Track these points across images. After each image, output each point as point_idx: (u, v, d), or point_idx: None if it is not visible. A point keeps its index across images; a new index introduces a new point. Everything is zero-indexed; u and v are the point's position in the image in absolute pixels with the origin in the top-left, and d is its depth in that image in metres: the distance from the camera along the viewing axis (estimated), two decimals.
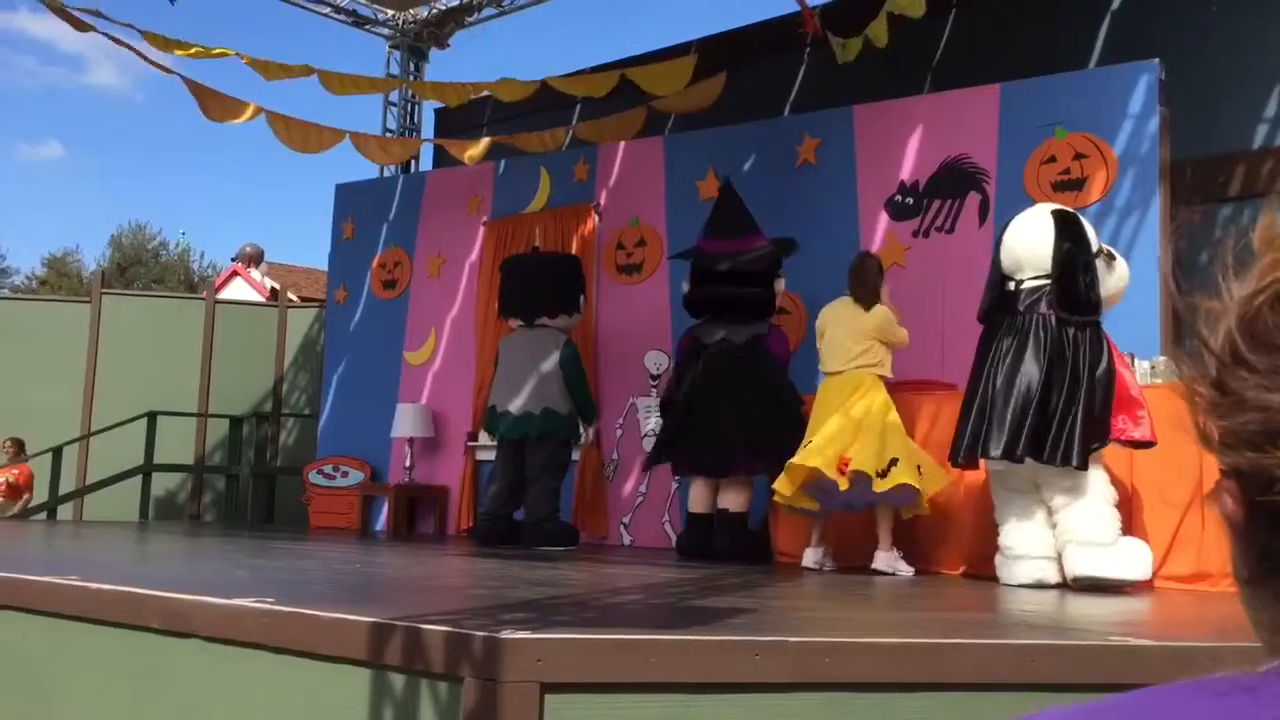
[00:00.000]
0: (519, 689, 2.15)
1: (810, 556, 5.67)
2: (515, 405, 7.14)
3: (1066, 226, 5.03)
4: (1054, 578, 4.88)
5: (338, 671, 2.43)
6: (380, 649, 2.36)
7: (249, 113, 8.48)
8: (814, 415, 5.69)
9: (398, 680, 2.34)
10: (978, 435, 4.89)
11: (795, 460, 5.47)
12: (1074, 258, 4.95)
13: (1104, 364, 4.79)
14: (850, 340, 5.67)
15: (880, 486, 5.29)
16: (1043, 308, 4.93)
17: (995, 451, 4.79)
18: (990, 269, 5.24)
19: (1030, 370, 4.81)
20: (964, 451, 4.98)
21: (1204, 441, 0.67)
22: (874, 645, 2.42)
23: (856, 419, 5.47)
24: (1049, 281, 4.96)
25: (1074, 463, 4.68)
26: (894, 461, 5.32)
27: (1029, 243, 5.05)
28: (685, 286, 6.74)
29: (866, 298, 5.74)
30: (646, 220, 8.21)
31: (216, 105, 8.42)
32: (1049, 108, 6.66)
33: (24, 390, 10.94)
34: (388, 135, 11.71)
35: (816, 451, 5.43)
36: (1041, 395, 4.74)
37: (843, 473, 5.33)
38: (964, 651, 2.46)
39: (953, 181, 6.98)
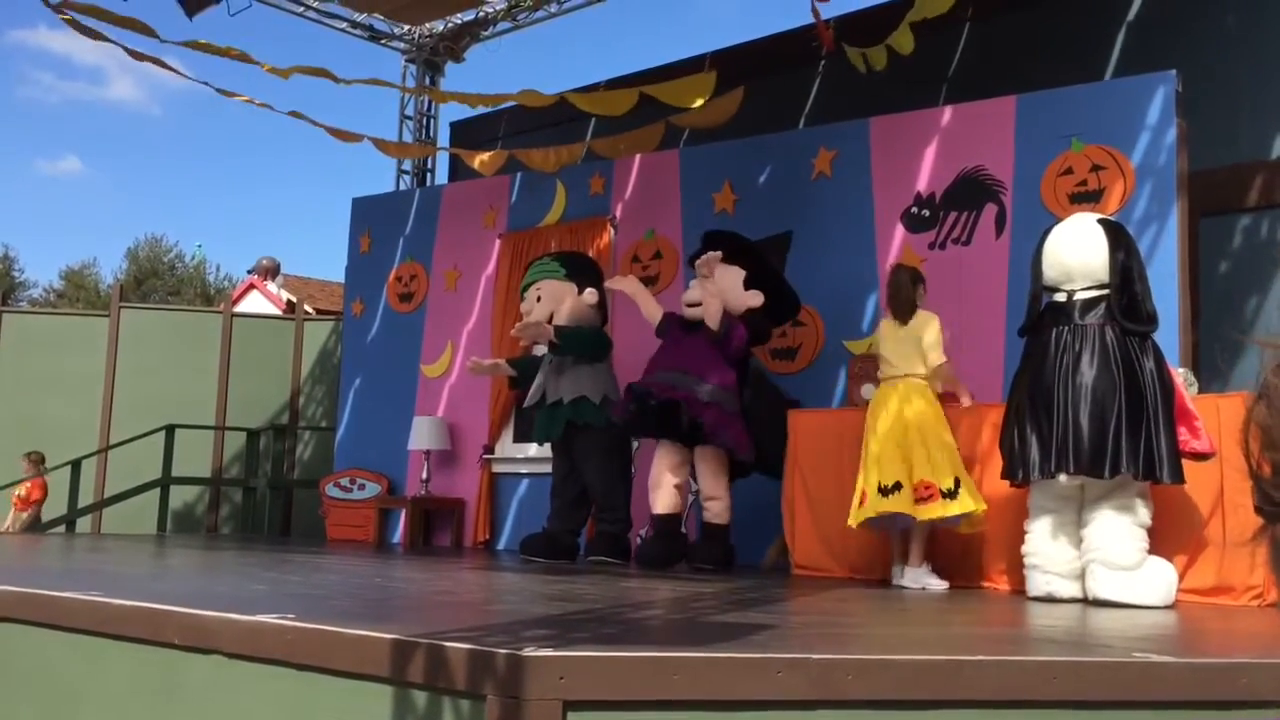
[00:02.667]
0: (542, 707, 2.15)
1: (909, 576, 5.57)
2: None
3: (1119, 237, 4.94)
4: (1067, 592, 4.83)
5: (360, 689, 2.43)
6: (402, 666, 2.36)
7: (246, 97, 8.57)
8: (866, 425, 5.62)
9: (420, 698, 2.34)
10: (1050, 450, 4.72)
11: (859, 508, 5.47)
12: (1131, 269, 4.86)
13: (1166, 376, 4.73)
14: (897, 349, 5.61)
15: (940, 511, 5.28)
16: (1101, 319, 4.80)
17: (1076, 468, 4.64)
18: (1031, 281, 5.08)
19: (1104, 383, 4.67)
20: (1038, 467, 4.77)
21: (1272, 488, 0.64)
22: (896, 662, 2.41)
23: (904, 436, 5.40)
24: (1106, 292, 4.84)
25: (1168, 479, 4.59)
26: (959, 483, 5.30)
27: (1081, 254, 4.91)
28: (760, 301, 6.53)
29: (900, 310, 5.69)
30: (662, 233, 8.23)
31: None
32: (1065, 119, 6.65)
33: (43, 403, 11.02)
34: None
35: (872, 496, 5.40)
36: (1120, 409, 4.62)
37: (886, 495, 5.31)
38: (986, 668, 2.44)
39: (969, 193, 6.97)
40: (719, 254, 6.39)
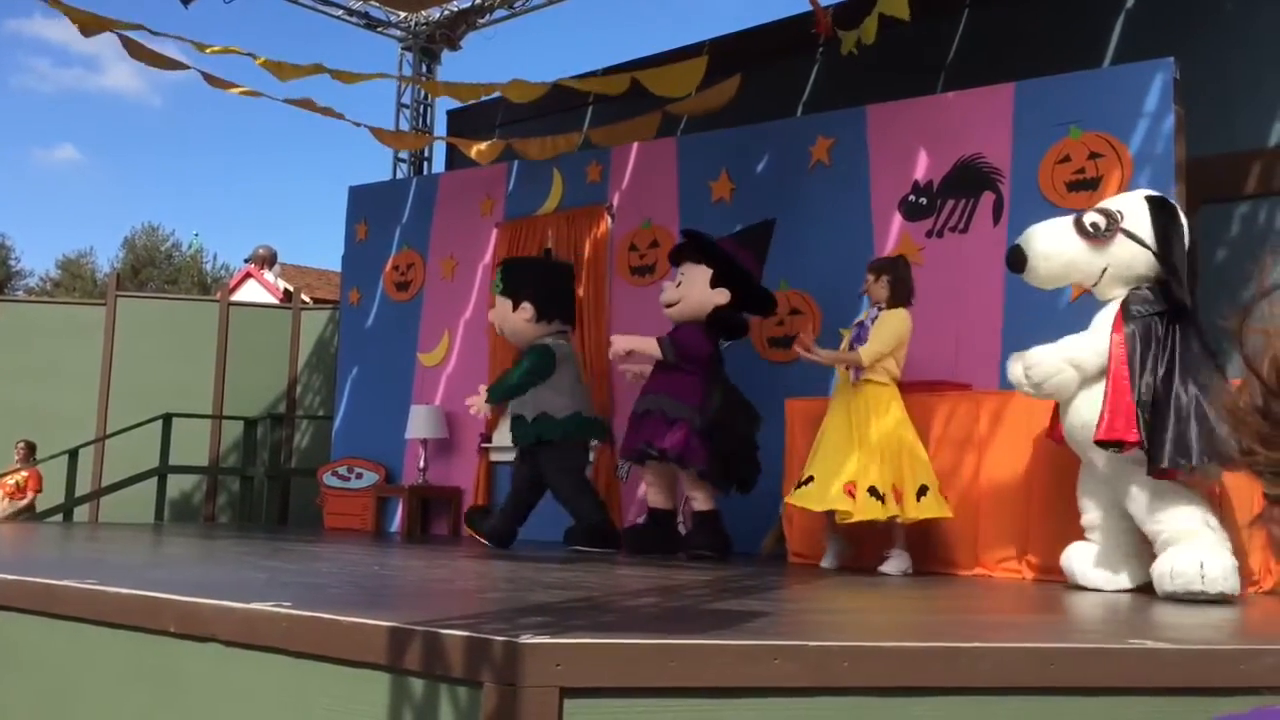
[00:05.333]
0: (538, 694, 2.15)
1: (895, 564, 5.60)
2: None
3: None
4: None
5: (357, 676, 2.43)
6: (399, 654, 2.36)
7: (242, 88, 8.58)
8: (837, 412, 5.68)
9: (417, 685, 2.34)
10: None
11: (801, 501, 5.59)
12: None
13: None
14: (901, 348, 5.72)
15: (906, 514, 5.38)
16: None
17: None
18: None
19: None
20: None
21: (1252, 469, 0.65)
22: (893, 649, 2.41)
23: (869, 439, 5.48)
24: None
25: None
26: (924, 489, 5.39)
27: None
28: (727, 298, 6.59)
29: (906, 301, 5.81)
30: (659, 222, 8.21)
31: (223, 81, 8.51)
32: (1063, 107, 6.63)
33: (40, 393, 11.01)
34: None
35: (819, 490, 5.49)
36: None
37: (852, 495, 5.37)
38: (982, 655, 2.44)
39: (967, 181, 6.96)
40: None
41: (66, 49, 54.87)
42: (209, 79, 8.49)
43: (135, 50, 8.14)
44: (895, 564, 5.51)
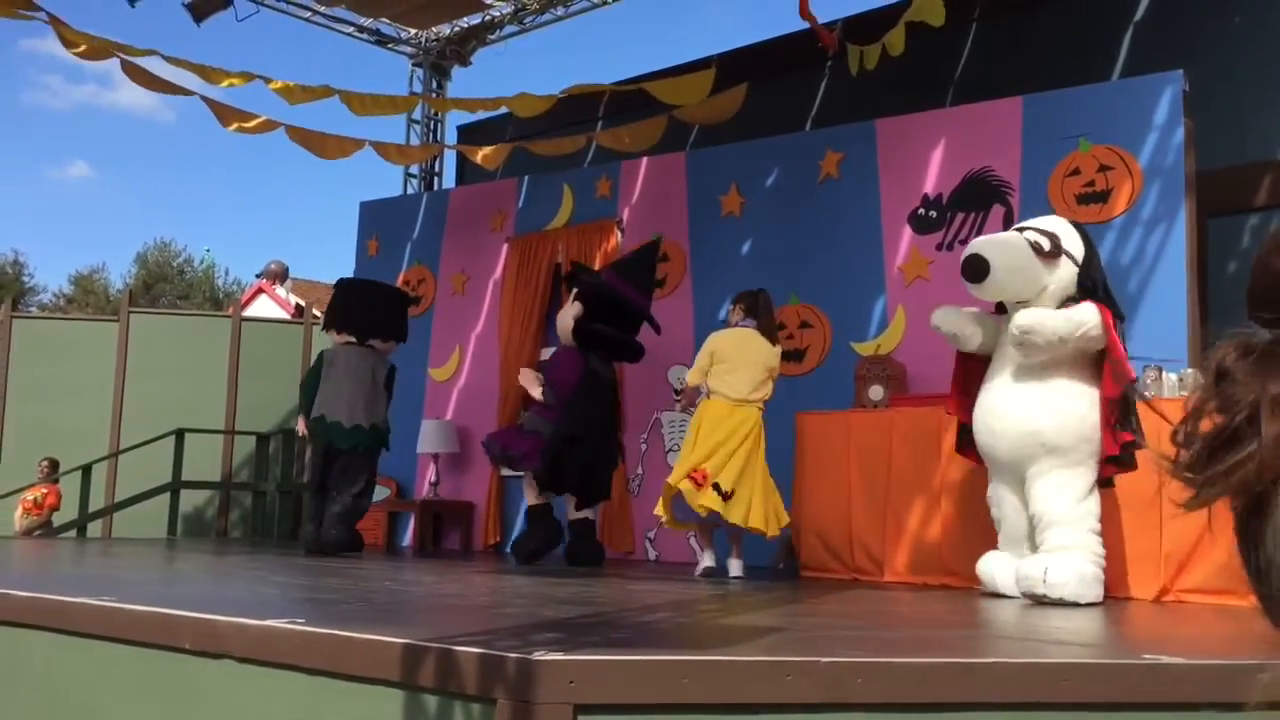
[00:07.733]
0: (552, 710, 2.16)
1: (707, 559, 6.05)
2: (347, 416, 7.30)
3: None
4: None
5: (371, 693, 2.44)
6: (413, 670, 2.36)
7: (259, 121, 8.69)
8: (702, 433, 5.94)
9: (431, 701, 2.35)
10: None
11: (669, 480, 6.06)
12: None
13: None
14: (759, 372, 6.01)
15: (735, 519, 5.80)
16: None
17: None
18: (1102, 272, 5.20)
19: None
20: None
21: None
22: (907, 665, 2.41)
23: (741, 450, 5.87)
24: None
25: None
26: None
27: None
28: (579, 310, 6.89)
29: (773, 332, 6.17)
30: (669, 236, 8.23)
31: (232, 115, 8.64)
32: (1072, 119, 6.64)
33: (53, 408, 11.04)
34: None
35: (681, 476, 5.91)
36: None
37: (700, 485, 5.77)
38: (996, 671, 2.44)
39: (976, 194, 6.97)
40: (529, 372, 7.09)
41: (79, 66, 55.21)
42: (218, 114, 8.57)
43: (140, 76, 8.21)
44: (702, 564, 6.00)
